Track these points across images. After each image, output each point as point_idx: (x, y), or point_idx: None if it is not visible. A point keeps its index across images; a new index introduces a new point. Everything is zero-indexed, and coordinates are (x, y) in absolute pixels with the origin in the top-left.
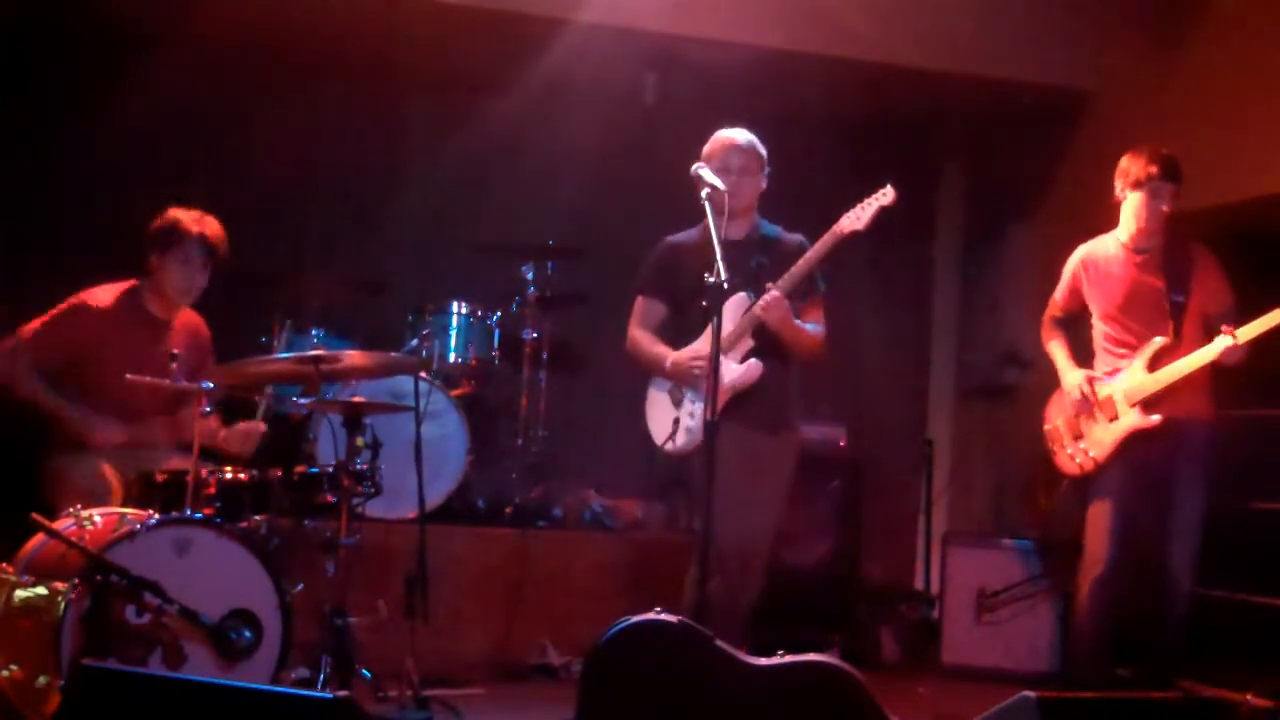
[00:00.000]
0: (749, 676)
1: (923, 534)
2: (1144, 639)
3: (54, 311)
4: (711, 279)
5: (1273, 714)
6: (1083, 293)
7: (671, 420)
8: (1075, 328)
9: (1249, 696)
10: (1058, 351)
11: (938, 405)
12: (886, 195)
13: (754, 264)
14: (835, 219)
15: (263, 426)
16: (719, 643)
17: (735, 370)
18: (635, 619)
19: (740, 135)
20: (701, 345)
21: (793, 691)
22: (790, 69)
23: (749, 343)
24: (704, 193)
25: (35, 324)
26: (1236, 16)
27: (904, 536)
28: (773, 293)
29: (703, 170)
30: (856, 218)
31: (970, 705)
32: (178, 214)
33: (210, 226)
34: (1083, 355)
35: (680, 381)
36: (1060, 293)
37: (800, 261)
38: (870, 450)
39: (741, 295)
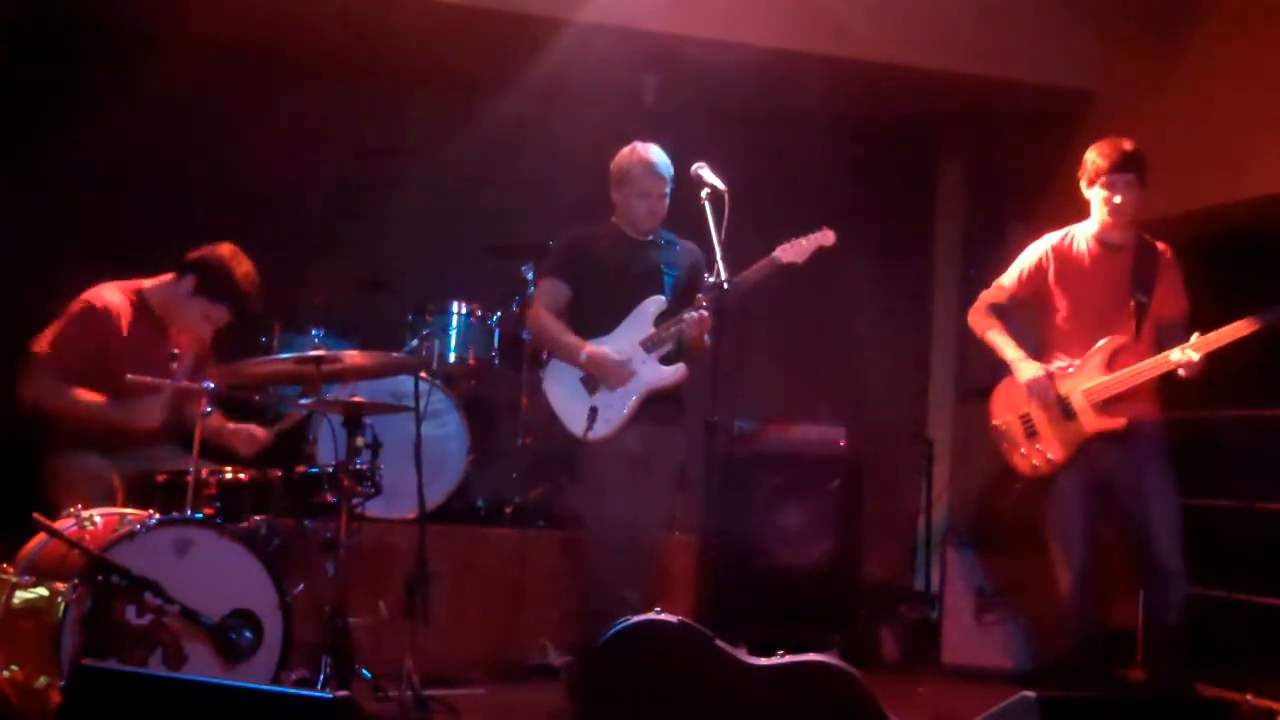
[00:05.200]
0: (749, 676)
1: (923, 534)
2: (1151, 642)
3: (64, 318)
4: (711, 279)
5: (1272, 714)
6: (1045, 283)
7: (588, 409)
8: (1011, 319)
9: (1249, 696)
10: (1002, 340)
11: (938, 405)
12: (826, 237)
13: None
14: (835, 219)
15: (265, 436)
16: (719, 643)
17: (663, 371)
18: (635, 619)
19: (657, 157)
20: (616, 343)
21: (793, 691)
22: (790, 69)
23: (669, 347)
24: (704, 193)
25: (48, 335)
26: (1235, 16)
27: (904, 536)
28: (704, 313)
29: (703, 170)
30: (797, 251)
31: (970, 705)
32: (246, 275)
33: (257, 297)
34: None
35: (598, 376)
36: (1014, 279)
37: (734, 282)
38: (870, 450)
39: (660, 297)
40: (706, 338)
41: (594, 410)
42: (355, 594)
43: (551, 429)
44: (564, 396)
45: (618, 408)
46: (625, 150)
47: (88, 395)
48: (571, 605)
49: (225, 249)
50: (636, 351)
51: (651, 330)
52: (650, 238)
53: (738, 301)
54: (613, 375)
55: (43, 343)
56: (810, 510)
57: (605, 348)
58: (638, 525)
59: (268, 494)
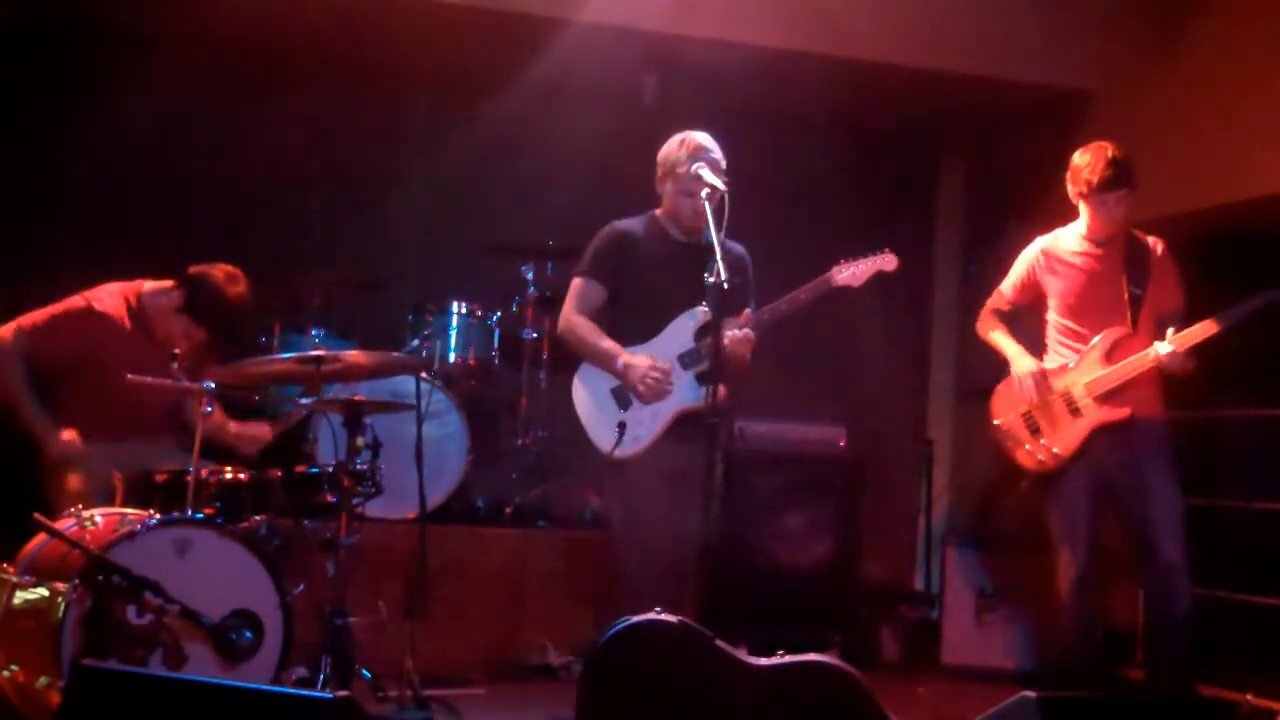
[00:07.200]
0: (749, 676)
1: (923, 534)
2: (1154, 641)
3: (57, 308)
4: (711, 279)
5: (1272, 714)
6: (1040, 284)
7: (616, 424)
8: (1017, 324)
9: (1249, 696)
10: (1003, 340)
11: (938, 405)
12: (888, 261)
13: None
14: (835, 218)
15: (269, 435)
16: (719, 643)
17: (699, 393)
18: (635, 619)
19: (704, 154)
20: (656, 354)
21: (793, 691)
22: (790, 69)
23: (707, 363)
24: (703, 193)
25: (35, 318)
26: (1236, 16)
27: (904, 536)
28: (748, 331)
29: (702, 170)
30: (853, 274)
31: (970, 705)
32: (235, 299)
33: (244, 323)
34: (1030, 350)
35: (631, 388)
36: (1011, 285)
37: (784, 301)
38: (870, 450)
39: (702, 308)
40: (748, 355)
41: (622, 425)
42: (355, 594)
43: (578, 437)
44: (593, 407)
45: (648, 426)
46: (674, 139)
47: (23, 386)
48: (585, 607)
49: (221, 271)
50: (674, 366)
51: (691, 345)
52: (698, 241)
53: (788, 320)
54: (651, 388)
55: (28, 321)
56: (810, 510)
57: (643, 356)
58: (671, 536)
59: (268, 494)
